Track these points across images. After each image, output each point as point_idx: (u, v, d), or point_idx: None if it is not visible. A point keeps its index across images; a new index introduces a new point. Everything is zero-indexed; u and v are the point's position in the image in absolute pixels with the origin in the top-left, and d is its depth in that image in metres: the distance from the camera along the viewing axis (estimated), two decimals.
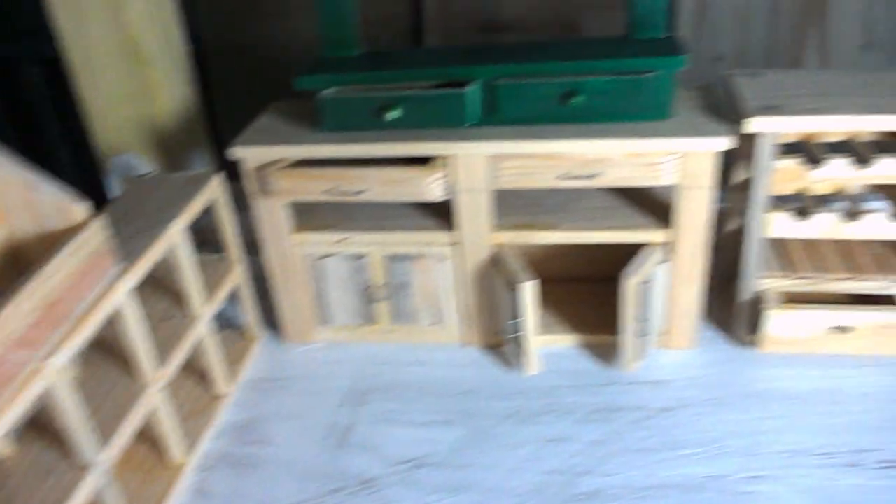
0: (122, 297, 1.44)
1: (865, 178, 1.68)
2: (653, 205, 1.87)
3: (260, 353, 2.06)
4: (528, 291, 1.73)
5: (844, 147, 1.71)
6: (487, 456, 1.67)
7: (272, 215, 1.87)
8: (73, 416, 1.31)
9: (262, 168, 1.79)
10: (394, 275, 1.91)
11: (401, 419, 1.79)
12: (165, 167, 2.31)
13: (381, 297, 1.95)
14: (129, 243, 1.55)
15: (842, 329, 1.80)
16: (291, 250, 1.91)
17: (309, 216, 1.95)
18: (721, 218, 2.12)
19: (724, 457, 1.61)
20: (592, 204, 1.90)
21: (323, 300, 1.99)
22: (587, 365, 1.91)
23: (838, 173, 1.68)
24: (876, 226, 1.73)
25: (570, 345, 1.98)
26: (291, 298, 2.00)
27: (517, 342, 1.85)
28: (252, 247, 2.15)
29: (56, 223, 1.36)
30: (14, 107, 2.77)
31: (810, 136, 1.80)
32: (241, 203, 2.10)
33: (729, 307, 2.00)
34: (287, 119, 1.91)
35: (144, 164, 2.28)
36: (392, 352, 2.01)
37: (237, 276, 1.95)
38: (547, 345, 1.97)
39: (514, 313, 1.79)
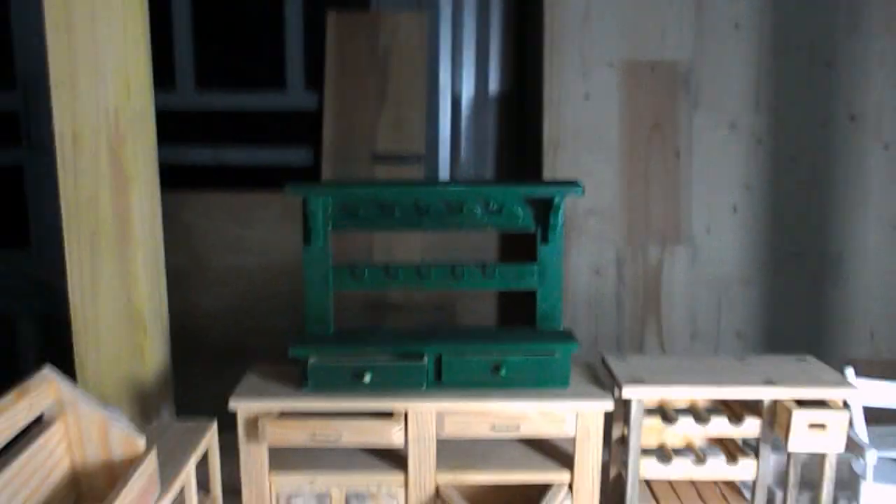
0: None
1: (707, 433, 2.34)
2: (557, 454, 2.42)
3: None
4: None
5: (690, 411, 2.38)
6: None
7: (256, 458, 2.26)
8: None
9: (254, 418, 2.22)
10: None
11: None
12: (139, 419, 2.65)
13: None
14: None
15: None
16: (267, 490, 2.28)
17: (281, 459, 2.34)
18: (604, 468, 2.68)
19: None
20: (510, 453, 2.43)
21: None
22: None
23: (687, 430, 2.33)
24: (718, 469, 2.36)
25: None
26: None
27: None
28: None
29: (122, 454, 1.73)
30: (8, 362, 3.05)
31: (666, 402, 2.47)
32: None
33: None
34: (269, 378, 2.38)
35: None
36: None
37: None
38: None
39: None
